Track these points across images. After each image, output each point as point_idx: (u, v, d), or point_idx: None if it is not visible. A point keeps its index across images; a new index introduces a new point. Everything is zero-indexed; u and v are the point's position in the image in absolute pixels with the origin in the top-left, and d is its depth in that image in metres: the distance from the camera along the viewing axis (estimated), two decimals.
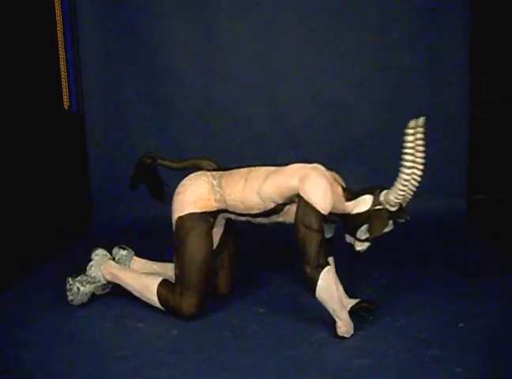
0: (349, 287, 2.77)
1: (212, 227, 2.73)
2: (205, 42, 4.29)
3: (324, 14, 4.26)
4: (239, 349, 2.44)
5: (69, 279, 2.86)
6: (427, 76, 4.26)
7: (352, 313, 2.60)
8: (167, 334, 2.59)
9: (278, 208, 2.63)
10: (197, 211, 2.68)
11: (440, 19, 4.17)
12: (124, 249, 3.08)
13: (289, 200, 2.59)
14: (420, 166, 2.44)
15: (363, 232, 2.59)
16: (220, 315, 2.76)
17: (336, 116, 4.31)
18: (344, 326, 2.48)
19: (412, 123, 2.38)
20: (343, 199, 2.59)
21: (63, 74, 3.92)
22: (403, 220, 2.57)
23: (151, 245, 3.53)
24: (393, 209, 2.54)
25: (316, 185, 2.47)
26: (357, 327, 2.55)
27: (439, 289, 3.02)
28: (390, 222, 2.57)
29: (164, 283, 2.73)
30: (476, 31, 4.14)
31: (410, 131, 2.38)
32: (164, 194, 2.98)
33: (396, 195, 2.50)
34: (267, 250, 3.72)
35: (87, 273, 2.90)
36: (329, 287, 2.44)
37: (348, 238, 2.66)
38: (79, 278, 2.86)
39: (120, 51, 4.31)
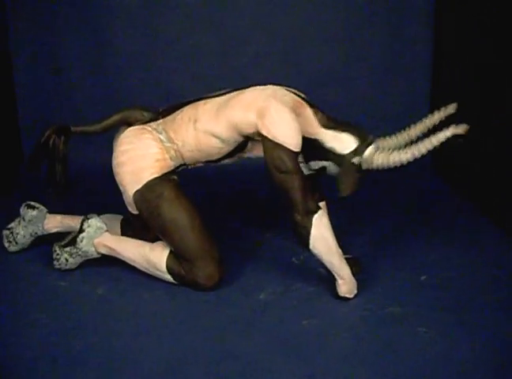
0: None
1: (178, 183, 2.34)
2: None
3: None
4: (173, 307, 2.20)
5: (56, 248, 2.45)
6: (390, 13, 3.94)
7: None
8: (91, 294, 2.30)
9: (240, 146, 2.30)
10: (155, 176, 2.28)
11: None
12: (33, 208, 2.62)
13: (251, 136, 2.23)
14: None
15: (318, 164, 2.29)
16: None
17: (291, 51, 3.97)
18: (346, 284, 2.18)
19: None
20: (315, 123, 2.24)
21: None
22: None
23: (82, 196, 3.22)
24: (363, 169, 2.22)
25: (279, 120, 2.11)
26: (305, 283, 2.31)
27: (399, 237, 2.75)
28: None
29: (173, 257, 2.31)
30: None
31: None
32: (66, 192, 2.46)
33: (388, 162, 2.18)
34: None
35: (77, 245, 2.44)
36: (324, 235, 2.13)
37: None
38: (68, 249, 2.44)
39: None
